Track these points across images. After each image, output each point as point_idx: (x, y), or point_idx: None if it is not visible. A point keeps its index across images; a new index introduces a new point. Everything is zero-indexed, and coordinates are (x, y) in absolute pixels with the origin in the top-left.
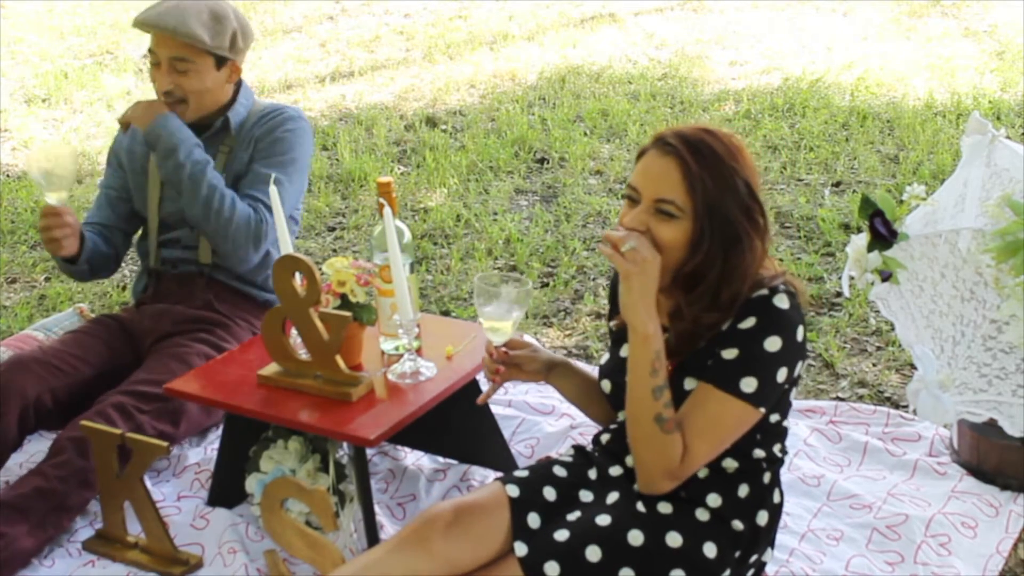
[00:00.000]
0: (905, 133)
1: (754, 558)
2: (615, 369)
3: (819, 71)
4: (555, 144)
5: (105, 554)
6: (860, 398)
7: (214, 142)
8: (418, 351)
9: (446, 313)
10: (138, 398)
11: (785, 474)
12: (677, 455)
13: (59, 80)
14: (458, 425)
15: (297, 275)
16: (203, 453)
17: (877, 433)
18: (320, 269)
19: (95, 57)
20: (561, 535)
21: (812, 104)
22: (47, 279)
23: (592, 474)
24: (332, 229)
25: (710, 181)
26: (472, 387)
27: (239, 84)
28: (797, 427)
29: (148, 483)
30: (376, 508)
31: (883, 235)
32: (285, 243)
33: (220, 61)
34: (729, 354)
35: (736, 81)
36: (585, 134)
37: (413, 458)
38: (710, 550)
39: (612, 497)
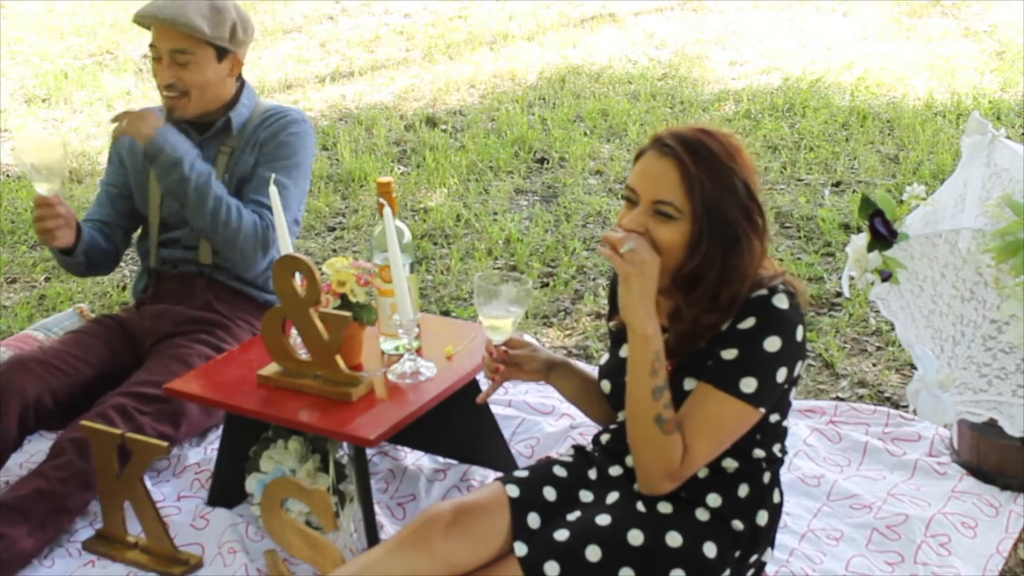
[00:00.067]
0: (905, 133)
1: (754, 558)
2: (615, 369)
3: (819, 71)
4: (555, 144)
5: (105, 554)
6: (860, 398)
7: (215, 142)
8: (418, 351)
9: (446, 313)
10: (138, 399)
11: (785, 474)
12: (677, 456)
13: (59, 80)
14: (458, 425)
15: (297, 275)
16: (203, 453)
17: (877, 433)
18: (320, 269)
19: (95, 57)
20: (561, 535)
21: (812, 104)
22: (47, 279)
23: (592, 474)
24: (332, 229)
25: (708, 182)
26: (472, 387)
27: (242, 84)
28: (797, 427)
29: (148, 483)
30: (376, 508)
31: (883, 235)
32: (285, 243)
33: (221, 53)
34: (729, 354)
35: (736, 81)
36: (585, 134)
37: (413, 458)
38: (710, 550)
39: (612, 497)
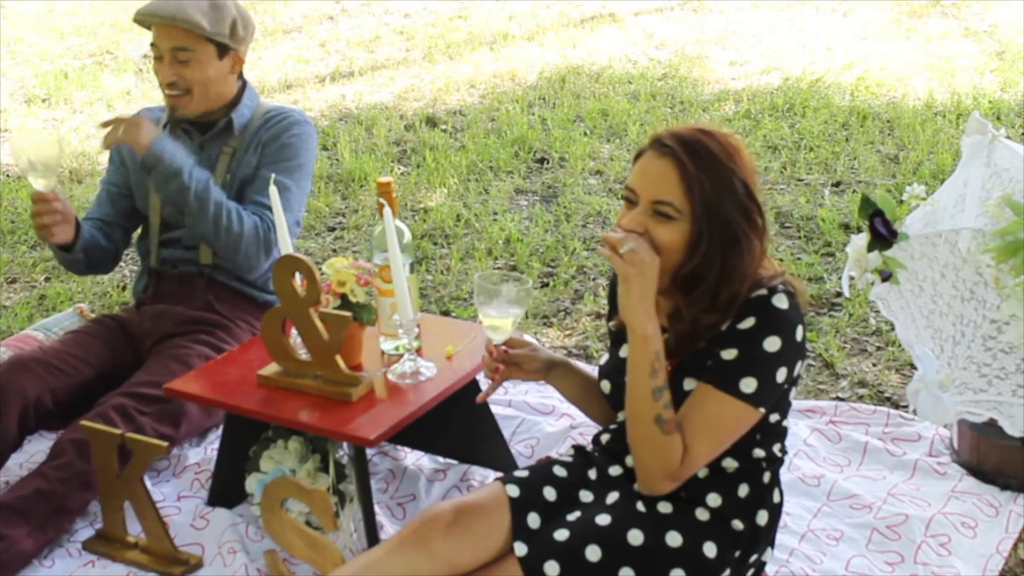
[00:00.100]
0: (905, 133)
1: (754, 558)
2: (614, 369)
3: (819, 71)
4: (555, 144)
5: (105, 554)
6: (860, 398)
7: (217, 142)
8: (418, 351)
9: (446, 313)
10: (139, 400)
11: (785, 474)
12: (677, 456)
13: (59, 80)
14: (458, 425)
15: (297, 275)
16: (203, 453)
17: (877, 433)
18: (320, 269)
19: (95, 57)
20: (561, 535)
21: (812, 104)
22: (47, 279)
23: (592, 474)
24: (332, 229)
25: (708, 182)
26: (472, 387)
27: (244, 84)
28: (797, 427)
29: (148, 483)
30: (376, 508)
31: (883, 235)
32: (285, 243)
33: (221, 50)
34: (728, 354)
35: (736, 81)
36: (585, 134)
37: (413, 458)
38: (710, 550)
39: (612, 497)
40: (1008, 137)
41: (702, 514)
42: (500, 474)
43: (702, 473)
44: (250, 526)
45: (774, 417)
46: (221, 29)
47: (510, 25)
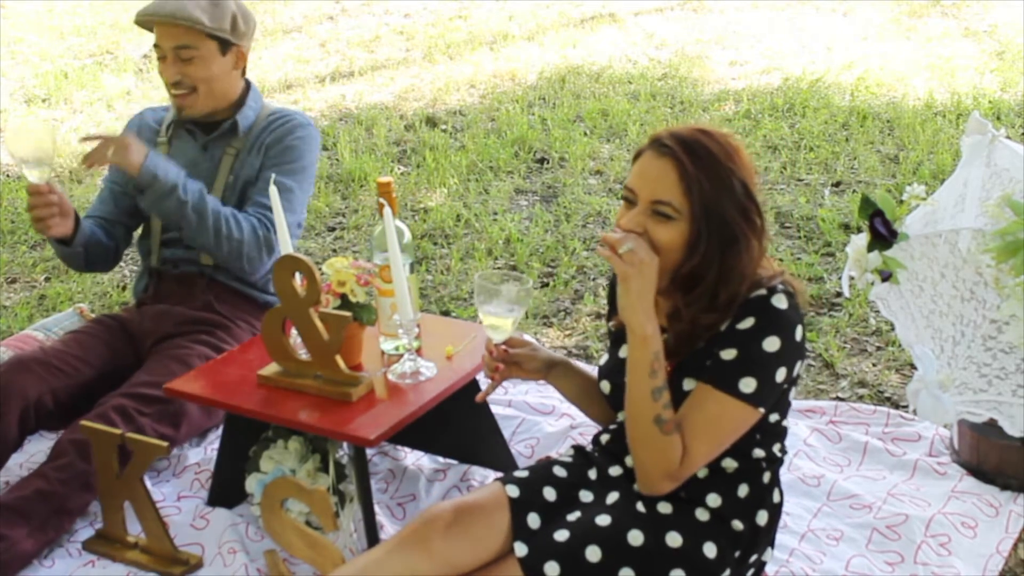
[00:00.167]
0: (905, 133)
1: (754, 558)
2: (614, 370)
3: (819, 71)
4: (555, 144)
5: (105, 554)
6: (860, 398)
7: (220, 143)
8: (418, 351)
9: (446, 313)
10: (139, 400)
11: (785, 474)
12: (676, 456)
13: (59, 80)
14: (458, 425)
15: (297, 275)
16: (203, 453)
17: (877, 433)
18: (320, 269)
19: (95, 57)
20: (561, 535)
21: (812, 104)
22: (47, 279)
23: (592, 474)
24: (332, 229)
25: (707, 182)
26: (472, 387)
27: (248, 86)
28: (797, 427)
29: (148, 483)
30: (376, 508)
31: (883, 235)
32: (285, 243)
33: (224, 46)
34: (728, 355)
35: (736, 81)
36: (585, 134)
37: (413, 458)
38: (710, 550)
39: (612, 497)
40: (1008, 137)
41: (702, 514)
42: (500, 474)
43: (702, 473)
44: (250, 526)
45: (774, 417)
46: (221, 24)
47: (510, 25)
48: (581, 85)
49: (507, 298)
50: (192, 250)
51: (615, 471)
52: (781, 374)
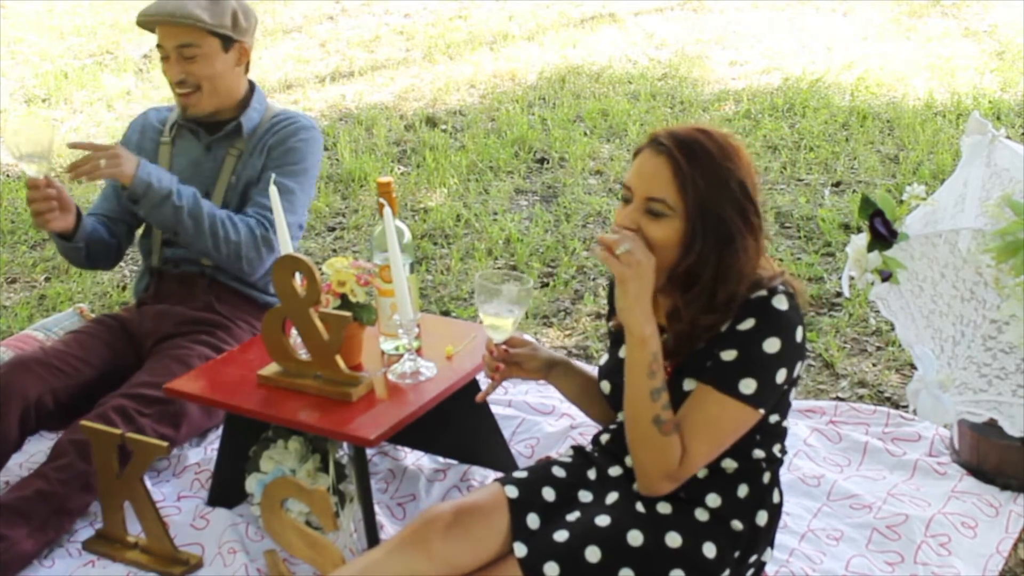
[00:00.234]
0: (905, 133)
1: (754, 558)
2: (614, 370)
3: (819, 71)
4: (555, 144)
5: (105, 554)
6: (860, 398)
7: (224, 143)
8: (418, 351)
9: (446, 313)
10: (139, 401)
11: (785, 474)
12: (676, 457)
13: (59, 80)
14: (458, 425)
15: (297, 275)
16: (203, 453)
17: (877, 433)
18: (320, 269)
19: (95, 57)
20: (560, 536)
21: (812, 104)
22: (47, 279)
23: (591, 474)
24: (332, 229)
25: (701, 180)
26: (472, 387)
27: (253, 87)
28: (797, 427)
29: (148, 483)
30: (376, 508)
31: (883, 235)
32: (285, 243)
33: (226, 42)
34: (728, 355)
35: (736, 81)
36: (585, 134)
37: (413, 458)
38: (709, 550)
39: (611, 497)
40: (1008, 137)
41: (701, 514)
42: (500, 474)
43: (701, 473)
44: (250, 526)
45: (774, 418)
46: (222, 21)
47: (510, 25)
48: (581, 85)
49: (507, 298)
50: None
51: (615, 471)
52: (781, 375)
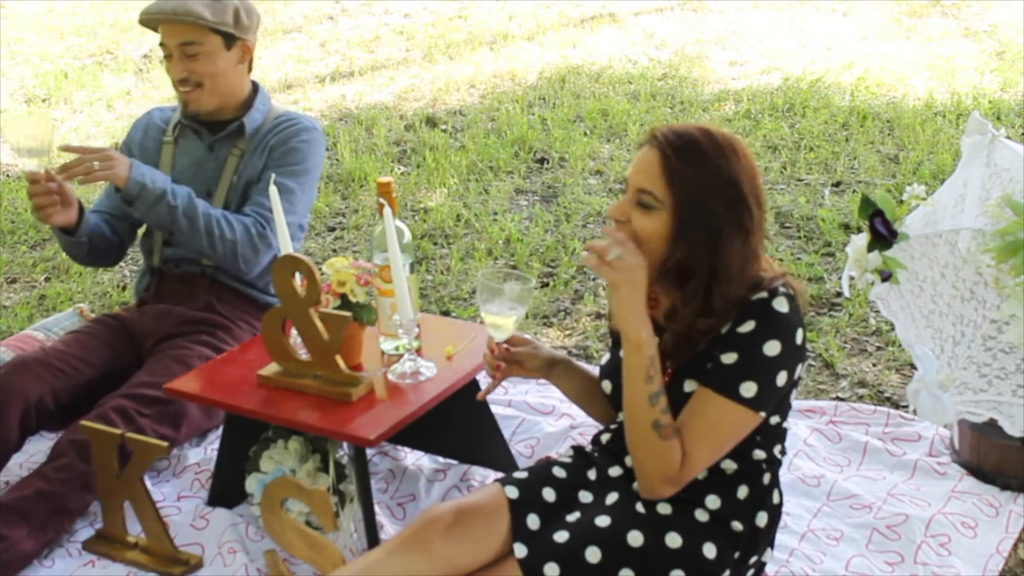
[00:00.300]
0: (905, 133)
1: (754, 559)
2: (615, 370)
3: (819, 71)
4: (555, 144)
5: (105, 554)
6: (860, 398)
7: (226, 143)
8: (418, 351)
9: (446, 313)
10: (139, 401)
11: (785, 474)
12: (676, 460)
13: (59, 80)
14: (458, 425)
15: (297, 275)
16: (203, 453)
17: (877, 433)
18: (320, 269)
19: (95, 57)
20: (561, 536)
21: (812, 104)
22: (47, 279)
23: (591, 475)
24: (332, 229)
25: (690, 176)
26: (472, 387)
27: (256, 88)
28: (797, 427)
29: (148, 483)
30: (376, 508)
31: (883, 235)
32: (285, 243)
33: (228, 40)
34: (728, 358)
35: (736, 81)
36: (585, 134)
37: (413, 458)
38: (710, 551)
39: (611, 498)
40: (1008, 137)
41: (702, 515)
42: (500, 474)
43: (701, 475)
44: (250, 526)
45: (774, 419)
46: (224, 18)
47: (510, 25)
48: (581, 85)
49: (509, 297)
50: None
51: (615, 471)
52: (782, 378)
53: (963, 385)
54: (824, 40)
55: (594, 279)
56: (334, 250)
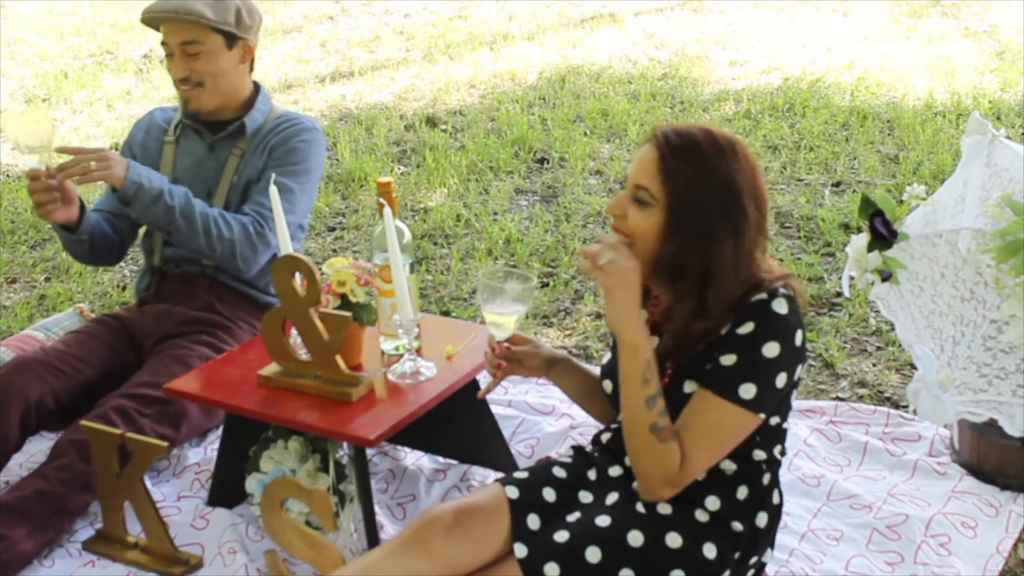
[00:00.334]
0: (905, 133)
1: (754, 559)
2: (616, 370)
3: (819, 71)
4: (555, 144)
5: (105, 554)
6: (860, 398)
7: (227, 143)
8: (418, 351)
9: (446, 313)
10: (139, 401)
11: (785, 474)
12: (675, 463)
13: (59, 80)
14: (458, 425)
15: (297, 275)
16: (203, 453)
17: (877, 433)
18: (320, 269)
19: (95, 57)
20: (561, 536)
21: (812, 104)
22: (47, 279)
23: (592, 475)
24: (332, 229)
25: (685, 174)
26: (472, 387)
27: (258, 88)
28: (797, 427)
29: (148, 483)
30: (376, 508)
31: (883, 235)
32: (285, 243)
33: (229, 39)
34: (728, 360)
35: (736, 81)
36: (585, 134)
37: (413, 458)
38: (710, 551)
39: (612, 498)
40: (1008, 137)
41: (702, 515)
42: (500, 474)
43: (701, 476)
44: (250, 526)
45: (774, 420)
46: (226, 18)
47: (510, 25)
48: (581, 85)
49: (511, 296)
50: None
51: (615, 471)
52: (781, 379)
53: (963, 385)
54: (824, 40)
55: (593, 279)
56: (334, 250)
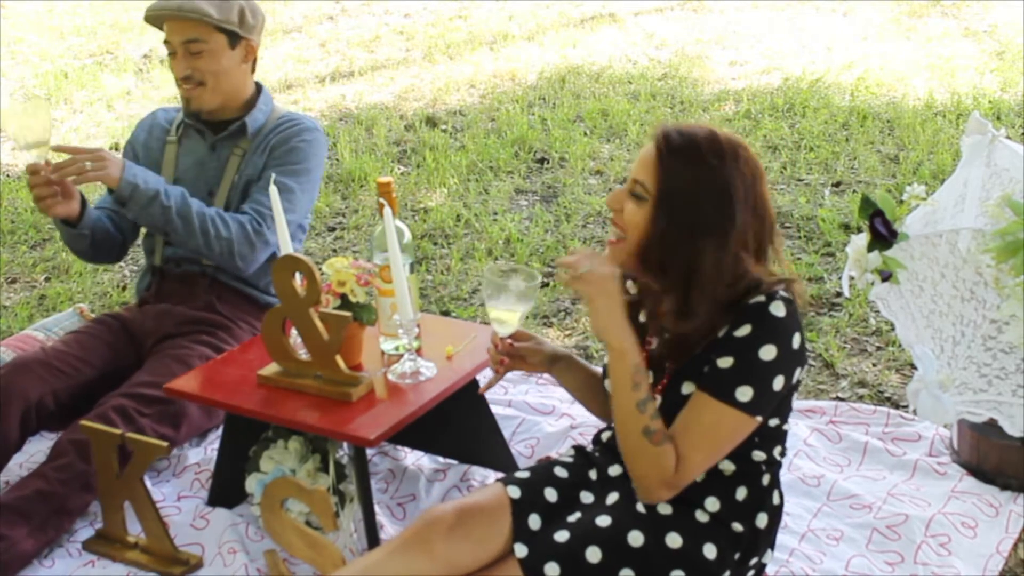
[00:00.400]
0: (905, 133)
1: (754, 560)
2: None
3: (819, 71)
4: (555, 144)
5: (105, 554)
6: (860, 398)
7: (228, 143)
8: (418, 351)
9: (446, 313)
10: (139, 401)
11: (785, 474)
12: (670, 465)
13: (59, 80)
14: (458, 425)
15: (297, 275)
16: (203, 453)
17: (877, 433)
18: (320, 269)
19: (95, 57)
20: (561, 536)
21: (812, 104)
22: (47, 279)
23: (592, 475)
24: (332, 229)
25: (679, 171)
26: (472, 387)
27: (260, 89)
28: (797, 427)
29: (148, 483)
30: (376, 508)
31: (883, 235)
32: (285, 243)
33: (232, 39)
34: (724, 362)
35: (736, 81)
36: (585, 134)
37: (413, 458)
38: (710, 551)
39: (612, 498)
40: (1008, 137)
41: (702, 516)
42: (500, 474)
43: (700, 476)
44: (250, 526)
45: (774, 421)
46: (229, 17)
47: (510, 25)
48: (581, 85)
49: (515, 293)
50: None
51: (615, 471)
52: (779, 382)
53: (963, 385)
54: (824, 40)
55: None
56: (334, 250)
